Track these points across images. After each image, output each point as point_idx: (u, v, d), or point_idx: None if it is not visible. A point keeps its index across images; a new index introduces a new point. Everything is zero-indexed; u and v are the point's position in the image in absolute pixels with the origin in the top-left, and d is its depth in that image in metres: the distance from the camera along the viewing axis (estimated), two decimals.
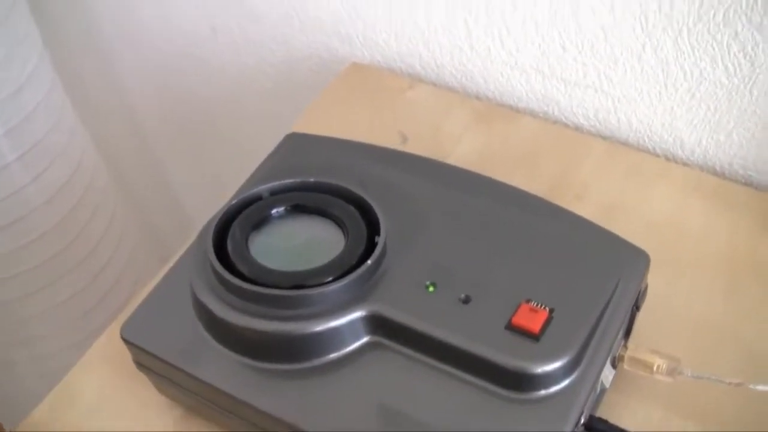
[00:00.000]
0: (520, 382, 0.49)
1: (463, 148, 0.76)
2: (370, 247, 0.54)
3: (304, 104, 0.85)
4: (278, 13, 0.90)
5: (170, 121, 1.16)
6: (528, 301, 0.52)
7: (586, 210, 0.69)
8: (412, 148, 0.75)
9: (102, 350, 0.64)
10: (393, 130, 0.78)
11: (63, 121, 1.01)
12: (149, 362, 0.57)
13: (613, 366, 0.56)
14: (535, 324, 0.50)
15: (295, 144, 0.66)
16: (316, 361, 0.52)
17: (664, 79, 0.71)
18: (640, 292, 0.56)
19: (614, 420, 0.55)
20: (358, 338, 0.52)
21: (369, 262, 0.53)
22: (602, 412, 0.56)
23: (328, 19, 0.87)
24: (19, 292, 1.00)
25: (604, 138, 0.78)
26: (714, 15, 0.65)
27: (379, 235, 0.55)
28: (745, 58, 0.66)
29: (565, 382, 0.49)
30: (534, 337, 0.50)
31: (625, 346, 0.57)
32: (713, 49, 0.67)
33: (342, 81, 0.86)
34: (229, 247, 0.55)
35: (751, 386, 0.55)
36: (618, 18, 0.69)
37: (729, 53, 0.67)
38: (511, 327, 0.50)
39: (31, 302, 1.03)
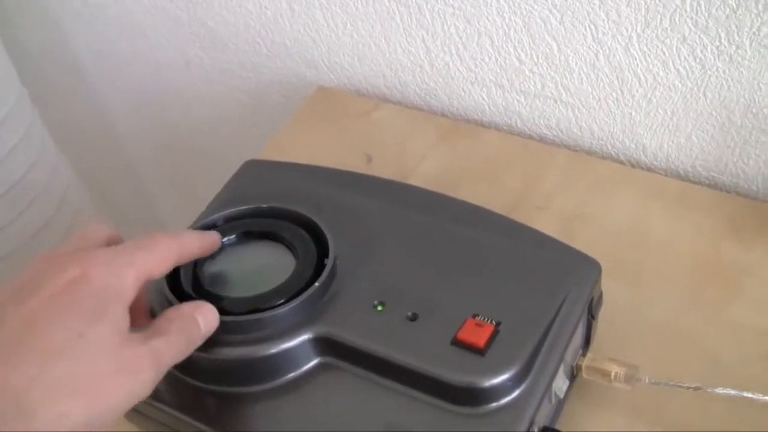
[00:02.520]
0: (467, 396, 0.49)
1: (427, 166, 0.76)
2: (320, 269, 0.55)
3: (277, 128, 0.86)
4: (245, 41, 0.91)
5: (153, 149, 1.17)
6: (475, 316, 0.52)
7: (548, 221, 0.69)
8: (377, 168, 0.76)
9: None
10: (358, 152, 0.78)
11: (44, 157, 1.02)
12: None
13: (570, 376, 0.56)
14: (480, 338, 0.50)
15: (253, 171, 0.66)
16: (269, 384, 0.52)
17: (620, 85, 0.72)
18: (593, 301, 0.56)
19: (576, 429, 0.55)
20: (309, 360, 0.53)
21: (317, 284, 0.53)
22: (564, 422, 0.56)
23: (293, 46, 0.88)
24: None
25: (569, 147, 0.79)
26: (661, 20, 0.66)
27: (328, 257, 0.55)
28: (695, 61, 0.67)
29: (514, 394, 0.49)
30: (480, 352, 0.50)
31: (584, 355, 0.57)
32: (664, 54, 0.67)
33: (308, 105, 0.87)
34: (182, 276, 0.55)
35: (710, 389, 0.55)
36: (568, 28, 0.70)
37: (679, 57, 0.67)
38: (456, 342, 0.50)
39: None
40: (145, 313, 0.51)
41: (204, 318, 0.49)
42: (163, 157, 1.16)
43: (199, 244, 0.53)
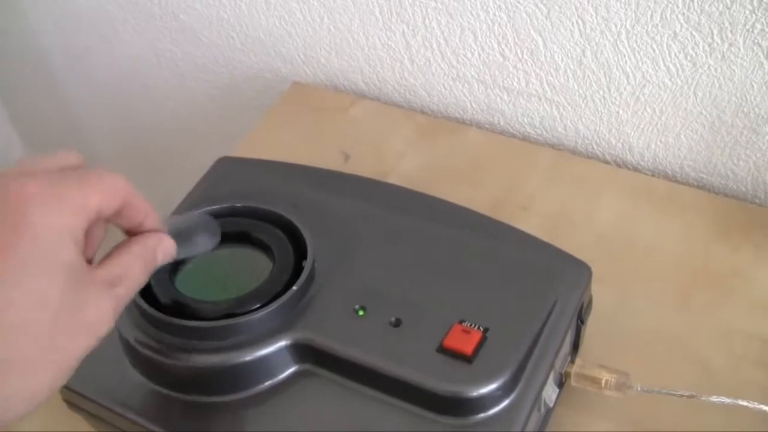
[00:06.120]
0: (454, 406, 0.47)
1: (406, 164, 0.74)
2: (298, 272, 0.52)
3: (251, 124, 0.83)
4: (218, 35, 0.88)
5: (121, 146, 1.14)
6: (461, 322, 0.49)
7: (531, 222, 0.67)
8: (354, 166, 0.73)
9: None
10: (335, 149, 0.76)
11: (8, 153, 0.99)
12: (79, 401, 0.54)
13: (559, 383, 0.53)
14: (467, 345, 0.48)
15: (226, 168, 0.64)
16: (245, 393, 0.50)
17: (607, 83, 0.70)
18: (582, 305, 0.54)
19: None
20: (286, 367, 0.50)
21: (294, 287, 0.50)
22: (551, 430, 0.54)
23: (267, 39, 0.85)
24: None
25: (553, 146, 0.77)
26: (651, 16, 0.64)
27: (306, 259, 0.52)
28: (686, 58, 0.65)
29: (503, 405, 0.47)
30: (467, 359, 0.47)
31: (572, 362, 0.55)
32: (653, 50, 0.66)
33: (284, 101, 0.84)
34: (153, 279, 0.52)
35: (704, 398, 0.53)
36: (555, 23, 0.68)
37: (670, 54, 0.65)
38: (442, 349, 0.48)
39: None
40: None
41: (163, 254, 0.45)
42: (132, 153, 1.13)
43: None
